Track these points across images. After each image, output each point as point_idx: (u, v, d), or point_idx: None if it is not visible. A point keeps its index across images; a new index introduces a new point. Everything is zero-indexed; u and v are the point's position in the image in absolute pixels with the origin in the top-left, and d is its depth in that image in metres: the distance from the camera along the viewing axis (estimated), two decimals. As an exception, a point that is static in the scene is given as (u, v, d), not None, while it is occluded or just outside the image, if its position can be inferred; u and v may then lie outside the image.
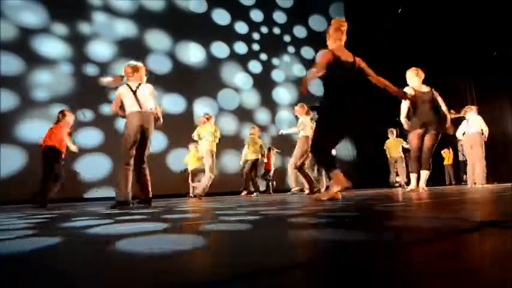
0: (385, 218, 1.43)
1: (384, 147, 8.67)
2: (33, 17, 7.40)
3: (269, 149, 8.36)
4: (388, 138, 8.59)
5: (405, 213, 1.62)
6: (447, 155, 10.34)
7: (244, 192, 6.98)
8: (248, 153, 7.06)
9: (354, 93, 2.95)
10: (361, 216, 1.53)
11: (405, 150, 7.87)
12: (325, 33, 3.23)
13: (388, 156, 8.60)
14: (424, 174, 4.31)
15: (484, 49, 9.79)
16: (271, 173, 8.46)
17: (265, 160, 8.14)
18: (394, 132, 8.49)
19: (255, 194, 7.02)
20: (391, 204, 2.23)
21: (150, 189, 3.52)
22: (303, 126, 5.62)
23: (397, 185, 8.55)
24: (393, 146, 8.46)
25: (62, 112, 5.00)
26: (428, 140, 4.32)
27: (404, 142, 8.43)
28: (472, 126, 5.92)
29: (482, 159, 5.86)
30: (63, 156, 4.95)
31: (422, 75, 4.47)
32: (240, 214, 1.77)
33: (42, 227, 1.63)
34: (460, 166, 10.36)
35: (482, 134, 6.06)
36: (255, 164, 7.05)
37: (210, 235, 1.07)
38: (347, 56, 3.01)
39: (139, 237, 1.05)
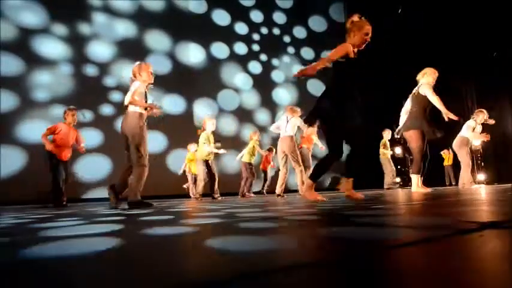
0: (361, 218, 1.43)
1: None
2: (33, 17, 7.41)
3: (269, 150, 8.35)
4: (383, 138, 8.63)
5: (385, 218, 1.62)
6: (447, 155, 10.32)
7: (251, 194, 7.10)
8: (246, 156, 7.18)
9: (324, 97, 2.98)
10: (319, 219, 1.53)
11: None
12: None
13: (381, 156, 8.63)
14: (413, 177, 4.30)
15: (484, 49, 9.80)
16: (268, 174, 8.42)
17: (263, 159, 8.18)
18: (387, 132, 8.53)
19: (252, 194, 7.13)
20: (380, 207, 2.23)
21: (129, 191, 3.35)
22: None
23: (397, 186, 8.55)
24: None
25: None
26: (409, 143, 4.35)
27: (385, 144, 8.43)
28: (462, 129, 6.00)
29: (463, 161, 5.91)
30: (57, 156, 4.85)
31: (422, 76, 4.43)
32: (215, 216, 1.77)
33: (13, 227, 1.68)
34: (460, 167, 10.34)
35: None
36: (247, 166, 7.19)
37: (131, 239, 1.08)
38: None
39: (69, 240, 1.08)
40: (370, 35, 2.97)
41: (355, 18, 3.01)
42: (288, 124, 5.48)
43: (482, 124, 6.01)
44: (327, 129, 3.01)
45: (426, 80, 4.32)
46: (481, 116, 5.96)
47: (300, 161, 5.42)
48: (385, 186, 8.56)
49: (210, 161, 5.87)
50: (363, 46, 3.00)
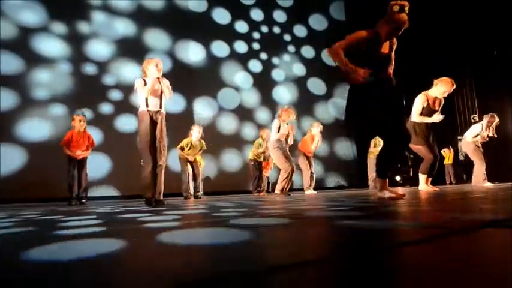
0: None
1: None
2: (32, 16, 7.39)
3: None
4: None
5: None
6: (447, 154, 10.33)
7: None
8: (251, 152, 7.29)
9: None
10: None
11: (410, 151, 7.71)
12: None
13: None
14: (420, 176, 4.37)
15: (484, 49, 9.79)
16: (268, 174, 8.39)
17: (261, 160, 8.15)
18: None
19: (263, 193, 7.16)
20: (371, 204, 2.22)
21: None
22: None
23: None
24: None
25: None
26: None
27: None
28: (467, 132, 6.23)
29: (474, 160, 6.06)
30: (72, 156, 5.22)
31: (435, 85, 4.38)
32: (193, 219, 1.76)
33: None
34: (460, 165, 10.36)
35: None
36: (255, 164, 7.22)
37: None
38: None
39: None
40: (401, 30, 2.63)
41: (396, 8, 2.52)
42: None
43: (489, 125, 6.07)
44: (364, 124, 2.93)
45: (437, 90, 4.26)
46: (490, 121, 6.03)
47: (281, 162, 5.44)
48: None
49: (193, 162, 6.18)
50: (391, 38, 2.74)
